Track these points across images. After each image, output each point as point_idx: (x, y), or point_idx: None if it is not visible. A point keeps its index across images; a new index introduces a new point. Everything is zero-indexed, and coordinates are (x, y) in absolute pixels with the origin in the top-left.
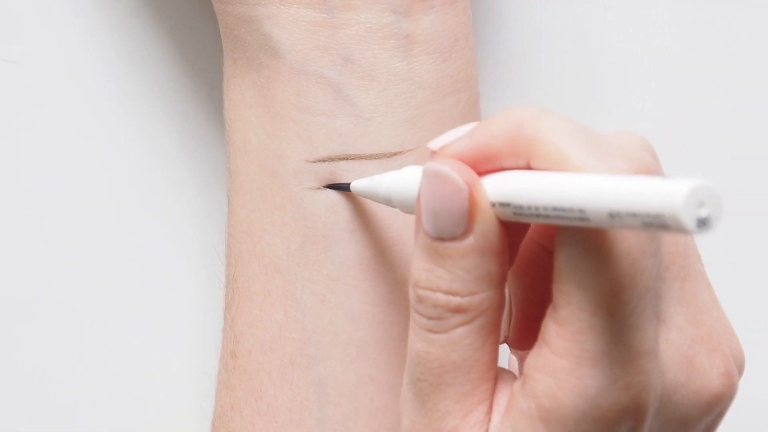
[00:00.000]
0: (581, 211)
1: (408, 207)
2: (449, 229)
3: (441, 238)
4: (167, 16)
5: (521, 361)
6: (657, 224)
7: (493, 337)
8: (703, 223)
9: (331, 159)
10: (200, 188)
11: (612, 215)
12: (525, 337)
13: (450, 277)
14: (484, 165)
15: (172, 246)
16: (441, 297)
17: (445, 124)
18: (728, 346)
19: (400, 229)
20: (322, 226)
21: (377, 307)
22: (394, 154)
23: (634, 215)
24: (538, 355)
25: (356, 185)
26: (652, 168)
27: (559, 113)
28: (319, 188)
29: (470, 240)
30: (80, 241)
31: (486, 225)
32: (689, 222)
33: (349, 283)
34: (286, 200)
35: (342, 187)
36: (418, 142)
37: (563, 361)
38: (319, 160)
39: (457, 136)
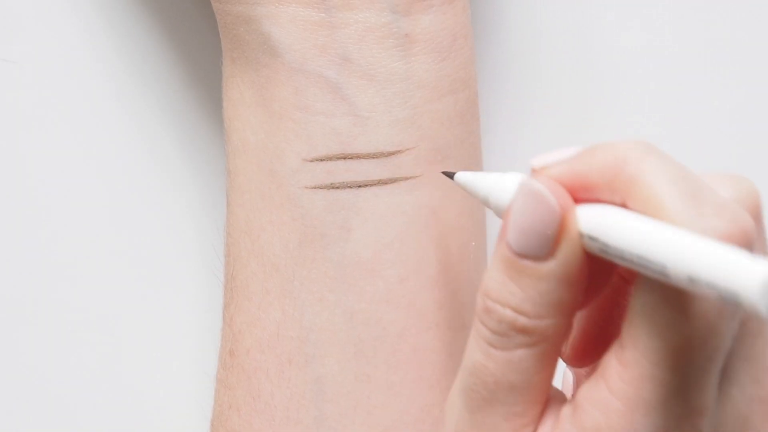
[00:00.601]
0: (663, 267)
1: (503, 213)
2: (533, 248)
3: (523, 255)
4: (167, 15)
5: (577, 378)
6: (731, 301)
7: (552, 363)
8: None
9: (329, 158)
10: (199, 187)
11: (692, 280)
12: (582, 356)
13: (522, 296)
14: (580, 193)
15: (171, 245)
16: (509, 314)
17: (443, 124)
18: None
19: (399, 228)
20: (320, 225)
21: (375, 306)
22: (392, 153)
23: (711, 286)
24: (594, 388)
25: (461, 176)
26: (747, 231)
27: (666, 154)
28: (317, 187)
29: (551, 264)
30: (79, 241)
31: (570, 253)
32: (764, 307)
33: (347, 281)
34: (285, 199)
35: (448, 175)
36: (416, 141)
37: (618, 402)
38: (317, 159)
39: (559, 159)
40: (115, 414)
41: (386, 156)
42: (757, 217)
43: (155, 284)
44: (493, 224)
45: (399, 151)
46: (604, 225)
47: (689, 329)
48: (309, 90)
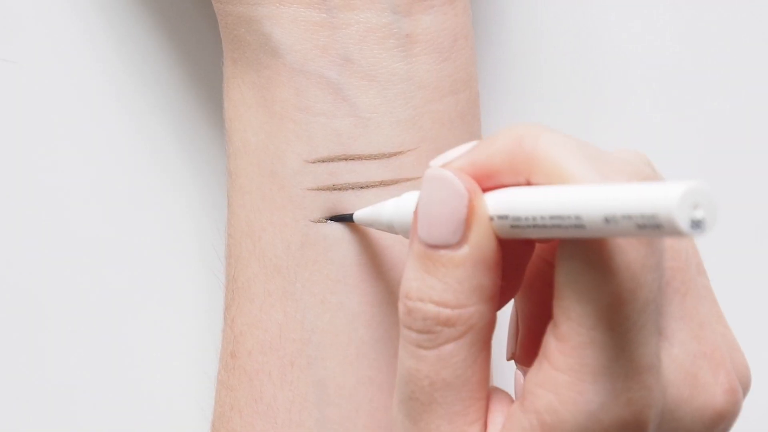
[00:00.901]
0: (577, 217)
1: (409, 232)
2: (445, 236)
3: (435, 246)
4: (167, 16)
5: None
6: (651, 225)
7: (483, 354)
8: (697, 225)
9: (331, 159)
10: (200, 188)
11: (608, 219)
12: (532, 354)
13: (441, 287)
14: (484, 182)
15: (172, 247)
16: (431, 308)
17: (444, 124)
18: (733, 363)
19: None
20: (321, 227)
21: (377, 308)
22: (394, 154)
23: (628, 217)
24: (538, 371)
25: (359, 215)
26: (651, 179)
27: (559, 131)
28: (319, 188)
29: (465, 249)
30: (80, 242)
31: (482, 235)
32: (683, 223)
33: (349, 283)
34: (286, 201)
35: (346, 218)
36: (417, 142)
37: (564, 376)
38: (319, 161)
39: (457, 154)
40: (116, 414)
41: (388, 157)
42: (656, 172)
43: (156, 285)
44: None
45: (400, 152)
46: (512, 201)
47: (615, 285)
48: (310, 91)
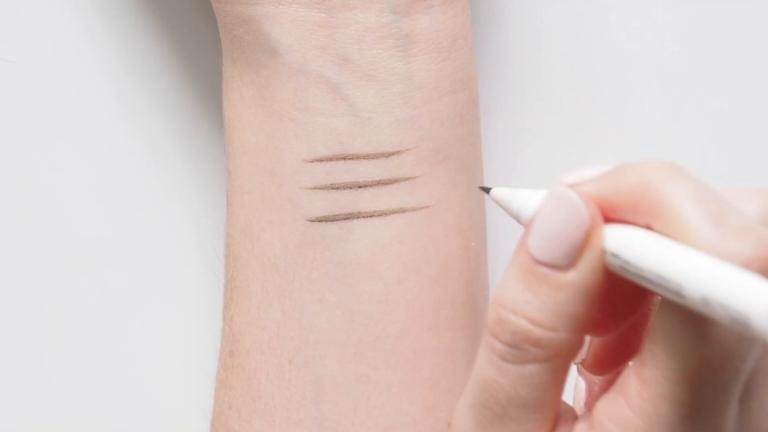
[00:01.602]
0: (679, 287)
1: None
2: (556, 256)
3: (543, 263)
4: (167, 16)
5: (589, 387)
6: (743, 323)
7: (563, 380)
8: None
9: (329, 158)
10: (199, 188)
11: (705, 301)
12: (603, 364)
13: (538, 305)
14: (607, 212)
15: (171, 246)
16: (524, 324)
17: (443, 124)
18: None
19: (399, 228)
20: (319, 226)
21: (374, 307)
22: (392, 153)
23: (723, 307)
24: (612, 404)
25: (496, 192)
26: None
27: (691, 175)
28: (317, 188)
29: (572, 275)
30: (80, 241)
31: (592, 266)
32: None
33: (347, 282)
34: (285, 200)
35: (484, 190)
36: (416, 141)
37: (637, 419)
38: (317, 160)
39: (590, 176)
40: (115, 414)
41: (386, 156)
42: None
43: (155, 284)
44: (493, 226)
45: (399, 152)
46: (626, 242)
47: (708, 352)
48: (309, 90)
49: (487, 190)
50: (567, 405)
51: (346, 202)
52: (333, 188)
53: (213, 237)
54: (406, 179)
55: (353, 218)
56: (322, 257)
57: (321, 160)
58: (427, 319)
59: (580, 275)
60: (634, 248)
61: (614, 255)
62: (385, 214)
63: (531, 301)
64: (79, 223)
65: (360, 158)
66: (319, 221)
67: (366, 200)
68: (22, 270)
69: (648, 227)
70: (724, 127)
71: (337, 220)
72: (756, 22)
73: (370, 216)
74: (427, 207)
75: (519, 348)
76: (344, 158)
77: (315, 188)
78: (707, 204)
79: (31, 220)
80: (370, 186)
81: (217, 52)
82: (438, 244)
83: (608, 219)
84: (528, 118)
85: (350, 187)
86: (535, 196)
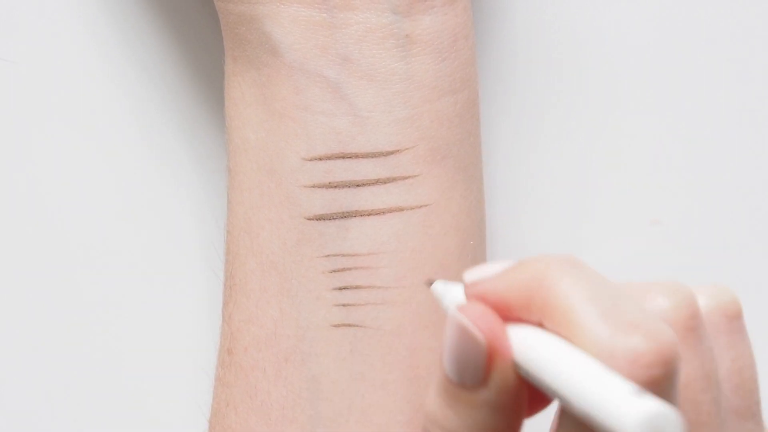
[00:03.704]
0: (566, 400)
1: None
2: (466, 377)
3: (457, 384)
4: (169, 14)
5: None
6: None
7: None
8: None
9: (328, 157)
10: (201, 186)
11: (587, 416)
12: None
13: (458, 423)
14: (505, 312)
15: (172, 244)
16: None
17: (443, 124)
18: None
19: (397, 227)
20: (317, 224)
21: (371, 305)
22: (391, 152)
23: (598, 424)
24: None
25: (435, 287)
26: (664, 348)
27: (587, 269)
28: (315, 186)
29: (484, 393)
30: (81, 240)
31: (502, 381)
32: None
33: (344, 280)
34: (283, 198)
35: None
36: (415, 140)
37: None
38: (317, 158)
39: (489, 275)
40: (114, 411)
41: (385, 155)
42: (690, 328)
43: (156, 283)
44: (492, 224)
45: (398, 151)
46: (524, 350)
47: None
48: (309, 89)
49: (430, 283)
50: None
51: (344, 200)
52: (331, 186)
53: (215, 236)
54: (405, 178)
55: (351, 216)
56: (320, 255)
57: (320, 159)
58: (423, 317)
59: (492, 393)
60: (527, 356)
61: (518, 365)
62: (383, 212)
63: (451, 418)
64: (81, 221)
65: (359, 157)
66: (317, 219)
67: (364, 199)
68: (23, 266)
69: (540, 325)
70: (726, 126)
71: (335, 218)
72: (756, 22)
73: (368, 214)
74: (426, 206)
75: None
76: (343, 157)
77: (313, 186)
78: (599, 300)
79: (31, 219)
80: (369, 185)
81: (220, 50)
82: (436, 243)
83: (506, 318)
84: (528, 118)
85: (348, 186)
86: (460, 295)
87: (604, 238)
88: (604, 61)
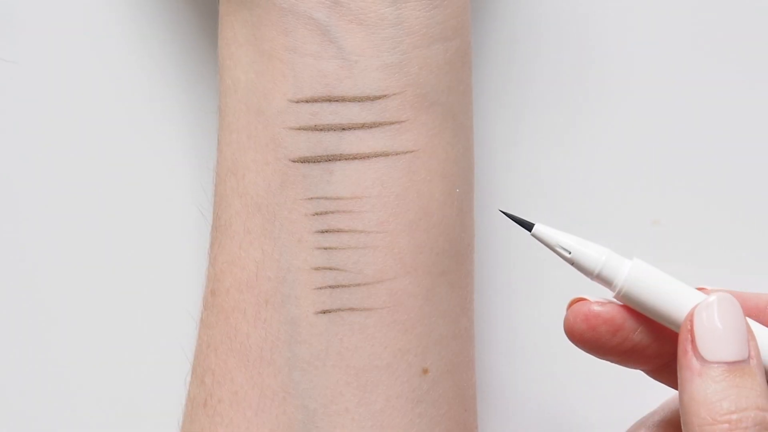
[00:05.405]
0: None
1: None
2: (742, 351)
3: (737, 362)
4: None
5: None
6: None
7: None
8: None
9: (315, 100)
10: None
11: None
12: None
13: (756, 393)
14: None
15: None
16: (758, 414)
17: (432, 70)
18: None
19: (381, 171)
20: (301, 166)
21: (353, 248)
22: (378, 97)
23: None
24: None
25: (541, 230)
26: None
27: None
28: (301, 128)
29: (754, 360)
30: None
31: (760, 345)
32: None
33: (327, 223)
34: (269, 139)
35: (523, 224)
36: (402, 86)
37: None
38: (303, 101)
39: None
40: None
41: (372, 100)
42: None
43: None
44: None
45: (385, 96)
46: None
47: None
48: (298, 31)
49: (524, 224)
50: None
51: (329, 143)
52: (317, 129)
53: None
54: (391, 123)
55: (336, 160)
56: (303, 198)
57: (306, 101)
58: (405, 262)
59: (758, 357)
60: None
61: None
62: (368, 156)
63: (748, 394)
64: (81, 217)
65: (345, 101)
66: (301, 162)
67: (349, 142)
68: (19, 253)
69: None
70: (725, 127)
71: (320, 161)
72: (756, 21)
73: (353, 158)
74: (411, 152)
75: None
76: (329, 100)
77: (299, 128)
78: None
79: (32, 218)
80: (354, 128)
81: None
82: (420, 189)
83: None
84: (528, 117)
85: (334, 129)
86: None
87: (604, 238)
88: (605, 59)
